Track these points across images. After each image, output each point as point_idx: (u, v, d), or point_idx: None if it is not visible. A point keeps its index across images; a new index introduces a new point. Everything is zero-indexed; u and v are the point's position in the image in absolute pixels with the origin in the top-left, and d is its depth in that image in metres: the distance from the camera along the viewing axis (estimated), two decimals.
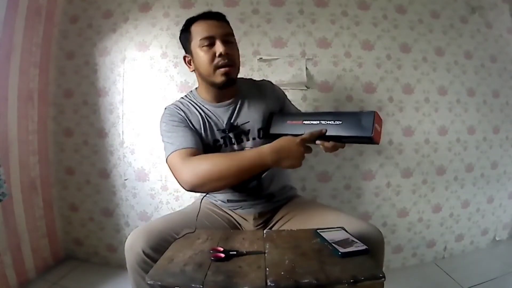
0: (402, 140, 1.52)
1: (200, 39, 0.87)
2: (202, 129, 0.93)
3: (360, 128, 0.72)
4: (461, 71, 1.57)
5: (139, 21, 1.47)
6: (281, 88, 1.10)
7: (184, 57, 0.96)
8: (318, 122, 0.80)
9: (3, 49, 1.25)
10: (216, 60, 0.87)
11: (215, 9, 1.43)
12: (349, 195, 1.52)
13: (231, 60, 0.89)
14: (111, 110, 1.50)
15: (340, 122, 0.76)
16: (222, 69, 0.88)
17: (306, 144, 0.78)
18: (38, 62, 1.44)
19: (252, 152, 0.79)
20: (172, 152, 0.84)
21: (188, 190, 0.81)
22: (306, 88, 1.46)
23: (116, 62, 1.49)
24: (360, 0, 1.48)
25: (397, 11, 1.51)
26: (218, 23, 0.90)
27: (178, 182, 0.82)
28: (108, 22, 1.49)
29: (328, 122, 0.78)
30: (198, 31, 0.89)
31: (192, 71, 0.96)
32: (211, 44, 0.87)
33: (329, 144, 0.78)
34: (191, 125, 0.92)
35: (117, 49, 1.49)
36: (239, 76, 0.96)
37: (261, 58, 1.44)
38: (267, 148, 0.78)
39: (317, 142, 0.80)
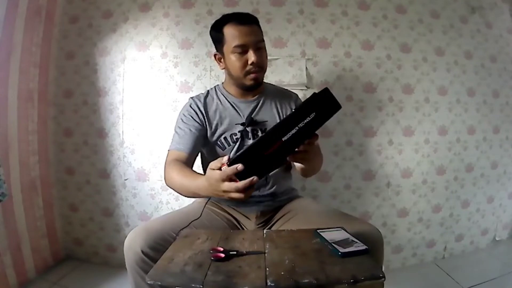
0: (402, 140, 1.52)
1: (234, 46, 0.91)
2: (222, 121, 0.98)
3: (330, 107, 0.67)
4: (461, 71, 1.57)
5: (139, 21, 1.47)
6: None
7: (215, 55, 1.00)
8: (297, 129, 0.65)
9: (3, 49, 1.25)
10: (248, 67, 0.92)
11: (215, 9, 1.45)
12: (349, 195, 1.52)
13: (261, 66, 0.95)
14: (111, 110, 1.50)
15: (314, 114, 0.65)
16: (252, 75, 0.94)
17: (224, 179, 0.61)
18: (38, 62, 1.44)
19: (196, 182, 0.74)
20: (169, 149, 0.94)
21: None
22: (306, 88, 1.46)
23: (116, 62, 1.49)
24: (360, 0, 1.48)
25: (397, 11, 1.51)
26: (251, 29, 0.92)
27: None
28: (108, 22, 1.49)
29: (305, 121, 0.65)
30: (232, 37, 0.91)
31: (222, 69, 1.01)
32: (244, 52, 0.91)
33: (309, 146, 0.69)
34: (203, 121, 0.97)
35: (117, 49, 1.49)
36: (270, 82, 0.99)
37: None
38: (202, 182, 0.70)
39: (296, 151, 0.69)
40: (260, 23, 1.45)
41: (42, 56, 1.46)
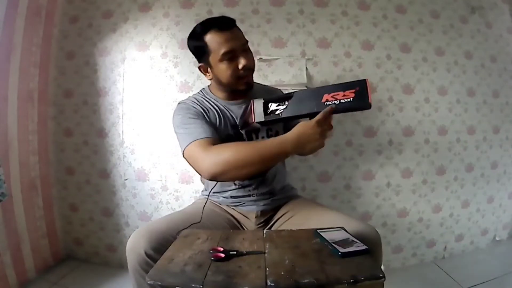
0: (402, 140, 1.52)
1: (222, 54, 0.87)
2: (217, 123, 0.96)
3: (360, 97, 0.79)
4: (461, 71, 1.57)
5: (139, 21, 1.47)
6: (281, 88, 1.11)
7: (200, 67, 0.96)
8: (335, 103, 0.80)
9: (3, 49, 1.25)
10: (240, 72, 0.90)
11: (215, 9, 1.45)
12: (349, 195, 1.52)
13: (251, 69, 0.93)
14: (111, 110, 1.50)
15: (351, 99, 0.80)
16: (245, 79, 0.92)
17: (323, 123, 0.77)
18: (38, 62, 1.44)
19: (274, 141, 0.79)
20: (191, 142, 0.84)
21: (208, 179, 0.82)
22: (306, 88, 1.46)
23: (116, 62, 1.49)
24: (360, 0, 1.48)
25: (397, 11, 1.51)
26: (234, 34, 0.90)
27: (197, 172, 0.83)
28: (108, 22, 1.49)
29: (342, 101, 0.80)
30: (217, 45, 0.88)
31: (210, 79, 0.97)
32: (233, 57, 0.88)
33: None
34: (207, 118, 0.94)
35: (117, 49, 1.49)
36: (260, 79, 0.98)
37: (261, 58, 1.44)
38: (287, 136, 0.78)
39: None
40: (260, 23, 1.44)
41: (42, 56, 1.46)
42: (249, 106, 0.91)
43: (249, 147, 0.80)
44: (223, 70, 0.89)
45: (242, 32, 0.93)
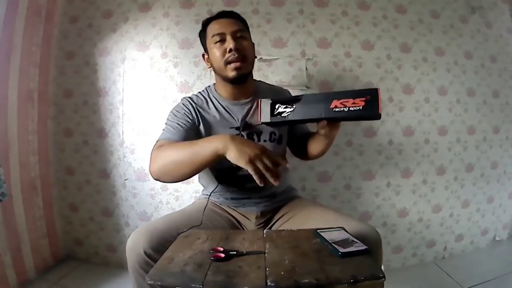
0: (402, 140, 1.52)
1: (212, 36, 0.92)
2: (215, 124, 0.95)
3: (369, 106, 0.76)
4: (461, 71, 1.57)
5: (139, 21, 1.47)
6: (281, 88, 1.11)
7: (203, 55, 1.01)
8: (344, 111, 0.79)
9: (3, 49, 1.25)
10: (227, 55, 0.90)
11: (215, 9, 1.45)
12: (349, 195, 1.52)
13: (241, 55, 0.91)
14: (111, 110, 1.50)
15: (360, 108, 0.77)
16: (233, 64, 0.91)
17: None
18: (38, 62, 1.44)
19: (207, 138, 0.76)
20: (157, 141, 0.87)
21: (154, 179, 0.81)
22: (306, 88, 1.46)
23: (116, 62, 1.49)
24: (360, 0, 1.48)
25: (397, 11, 1.51)
26: (230, 21, 0.94)
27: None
28: (108, 22, 1.49)
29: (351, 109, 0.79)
30: (212, 29, 0.94)
31: (209, 67, 0.99)
32: (223, 40, 0.92)
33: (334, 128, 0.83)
34: (196, 121, 0.94)
35: (117, 49, 1.49)
36: (260, 79, 0.97)
37: (261, 58, 1.44)
38: (221, 134, 0.76)
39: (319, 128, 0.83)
40: (260, 23, 1.44)
41: (42, 56, 1.46)
42: (257, 104, 0.93)
43: (183, 146, 0.77)
44: (214, 53, 0.92)
45: (244, 25, 0.97)
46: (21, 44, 1.33)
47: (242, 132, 0.96)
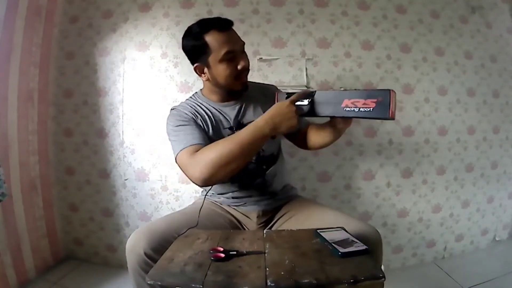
0: (402, 140, 1.52)
1: (224, 54, 0.87)
2: (210, 127, 0.95)
3: (380, 108, 0.79)
4: (461, 71, 1.57)
5: (139, 21, 1.47)
6: (281, 88, 1.10)
7: (195, 67, 0.93)
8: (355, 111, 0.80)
9: (3, 49, 1.25)
10: (237, 72, 0.90)
11: (215, 9, 1.45)
12: (349, 195, 1.52)
13: (248, 69, 0.93)
14: (111, 110, 1.50)
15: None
16: (243, 79, 0.93)
17: (297, 103, 0.80)
18: (38, 62, 1.44)
19: (249, 128, 0.79)
20: (180, 150, 0.83)
21: (202, 186, 0.81)
22: (306, 88, 1.46)
23: (116, 62, 1.49)
24: (360, 0, 1.48)
25: (397, 11, 1.50)
26: (234, 35, 0.92)
27: (191, 181, 0.81)
28: (108, 22, 1.49)
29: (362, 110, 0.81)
30: (219, 44, 0.87)
31: (205, 80, 0.95)
32: (232, 58, 0.89)
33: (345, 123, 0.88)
34: (199, 122, 0.93)
35: (117, 49, 1.49)
36: (261, 79, 0.98)
37: (261, 58, 1.44)
38: (261, 119, 0.78)
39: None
40: (260, 23, 1.45)
41: (42, 56, 1.46)
42: (247, 104, 0.98)
43: (228, 141, 0.78)
44: (222, 70, 0.89)
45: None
46: (21, 44, 1.33)
47: (236, 132, 0.95)
